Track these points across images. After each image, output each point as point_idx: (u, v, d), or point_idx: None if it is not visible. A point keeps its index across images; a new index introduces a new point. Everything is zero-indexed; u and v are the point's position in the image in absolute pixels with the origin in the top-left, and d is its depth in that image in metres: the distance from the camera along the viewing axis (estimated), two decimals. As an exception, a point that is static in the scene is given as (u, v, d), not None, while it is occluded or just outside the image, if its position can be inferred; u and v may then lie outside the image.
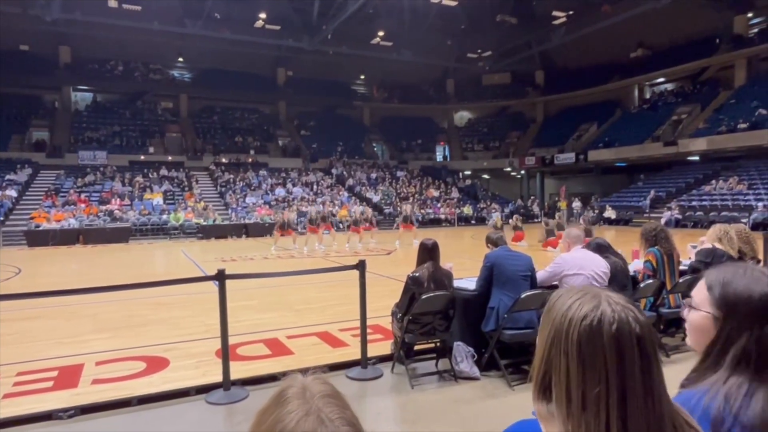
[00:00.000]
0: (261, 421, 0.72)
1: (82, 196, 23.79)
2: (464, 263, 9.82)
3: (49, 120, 30.20)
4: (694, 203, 23.58)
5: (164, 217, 22.95)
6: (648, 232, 5.02)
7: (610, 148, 30.07)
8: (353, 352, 4.62)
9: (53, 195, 23.34)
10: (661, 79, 33.33)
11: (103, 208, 22.83)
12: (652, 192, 26.02)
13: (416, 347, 4.56)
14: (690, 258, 5.30)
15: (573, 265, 4.20)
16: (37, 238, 19.16)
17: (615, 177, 32.38)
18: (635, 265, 5.27)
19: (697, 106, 29.28)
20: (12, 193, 23.06)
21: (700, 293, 1.08)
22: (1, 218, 20.89)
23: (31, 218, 20.81)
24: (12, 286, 9.57)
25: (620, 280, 4.50)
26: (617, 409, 0.76)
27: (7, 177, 24.20)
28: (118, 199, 23.85)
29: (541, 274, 4.36)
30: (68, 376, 4.31)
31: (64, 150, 27.84)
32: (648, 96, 34.33)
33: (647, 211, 24.70)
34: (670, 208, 23.24)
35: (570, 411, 0.79)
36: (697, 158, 27.59)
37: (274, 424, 0.69)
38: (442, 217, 28.10)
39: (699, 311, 1.06)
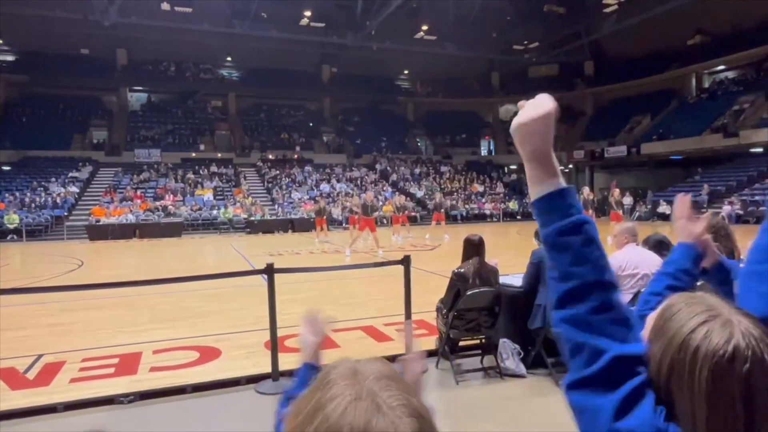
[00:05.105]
0: (298, 410, 0.54)
1: (138, 192, 24.92)
2: (510, 259, 9.65)
3: (108, 120, 31.78)
4: (757, 197, 22.26)
5: (214, 212, 23.73)
6: (706, 228, 4.75)
7: (665, 140, 28.76)
8: (398, 347, 4.66)
9: (112, 191, 24.56)
10: (722, 67, 31.52)
11: (158, 203, 23.84)
12: (706, 186, 24.74)
13: (461, 343, 4.54)
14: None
15: (628, 265, 4.02)
16: (98, 232, 20.26)
17: (670, 171, 30.91)
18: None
19: (761, 94, 27.54)
20: (75, 189, 24.45)
21: None
22: (66, 213, 22.20)
23: (92, 213, 22.00)
24: (76, 278, 10.16)
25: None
26: None
27: (70, 174, 25.70)
28: (172, 195, 24.85)
29: None
30: (128, 364, 4.55)
31: (122, 148, 29.26)
32: (707, 85, 32.57)
33: (705, 206, 23.50)
34: (731, 203, 22.05)
35: None
36: (760, 150, 26.00)
37: (314, 413, 0.51)
38: (487, 212, 27.72)
39: None
